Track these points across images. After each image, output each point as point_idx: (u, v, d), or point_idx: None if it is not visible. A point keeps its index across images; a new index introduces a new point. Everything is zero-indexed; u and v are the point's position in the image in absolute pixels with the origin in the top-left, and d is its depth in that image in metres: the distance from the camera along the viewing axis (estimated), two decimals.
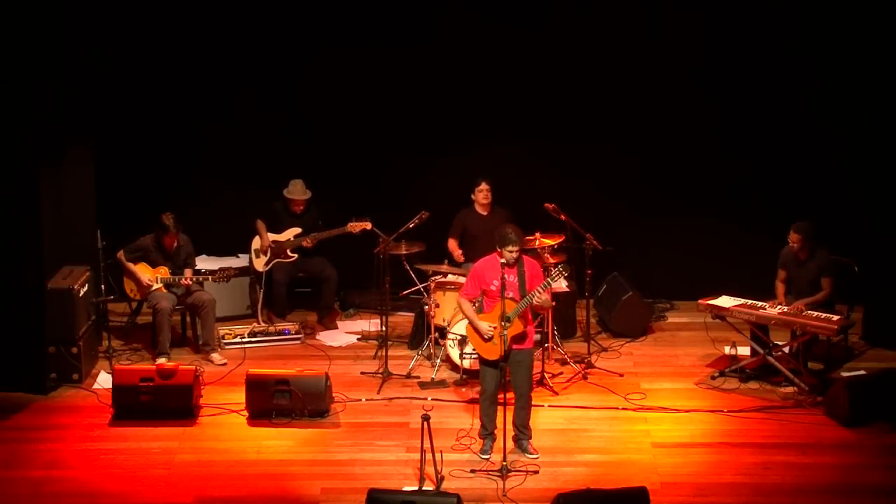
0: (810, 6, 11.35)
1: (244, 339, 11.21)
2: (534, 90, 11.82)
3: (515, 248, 8.77)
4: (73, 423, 9.60)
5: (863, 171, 11.46)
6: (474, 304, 9.04)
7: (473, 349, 9.28)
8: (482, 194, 11.13)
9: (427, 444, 8.31)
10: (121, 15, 11.39)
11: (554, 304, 10.27)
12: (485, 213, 11.17)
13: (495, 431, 8.97)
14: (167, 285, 10.89)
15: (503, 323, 8.67)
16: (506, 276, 8.72)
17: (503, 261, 8.74)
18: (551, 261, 10.55)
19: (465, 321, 9.13)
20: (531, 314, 9.04)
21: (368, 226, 11.19)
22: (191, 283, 10.88)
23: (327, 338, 11.45)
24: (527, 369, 8.92)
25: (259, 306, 11.72)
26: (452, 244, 11.22)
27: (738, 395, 9.99)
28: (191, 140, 11.98)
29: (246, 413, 9.66)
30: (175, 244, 10.92)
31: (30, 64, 9.84)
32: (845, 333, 10.31)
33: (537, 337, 10.58)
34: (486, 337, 8.82)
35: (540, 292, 8.79)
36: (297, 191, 11.52)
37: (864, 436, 9.24)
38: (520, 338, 8.84)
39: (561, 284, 9.38)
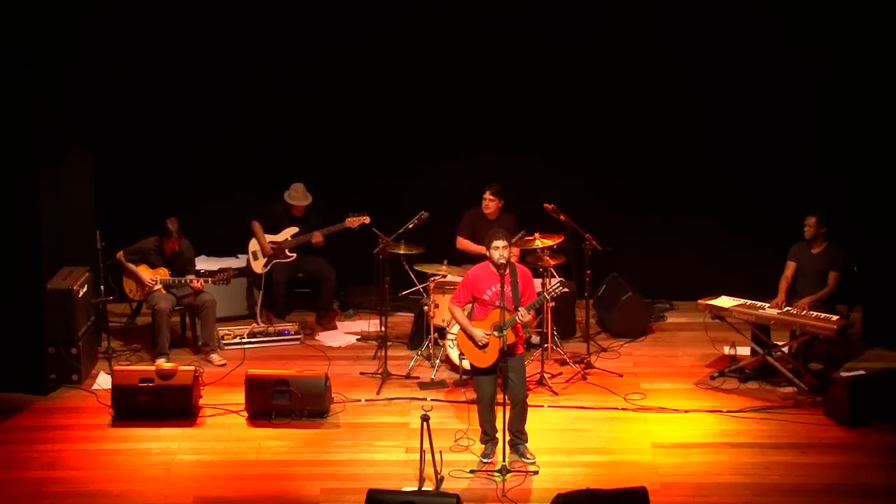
0: (813, 4, 11.35)
1: (244, 340, 11.21)
2: (534, 90, 11.81)
3: (502, 244, 8.60)
4: (73, 424, 9.60)
5: (863, 171, 11.44)
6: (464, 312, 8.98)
7: (462, 355, 9.17)
8: (483, 203, 11.12)
9: (427, 445, 8.31)
10: (122, 16, 11.38)
11: (540, 317, 10.27)
12: (491, 218, 11.13)
13: (496, 435, 8.94)
14: (167, 286, 10.89)
15: (496, 333, 8.62)
16: (504, 287, 8.61)
17: (502, 261, 8.64)
18: (551, 263, 10.55)
19: None
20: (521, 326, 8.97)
21: (367, 220, 11.17)
22: (200, 285, 10.85)
23: (327, 338, 11.44)
24: (520, 375, 8.86)
25: (258, 307, 11.71)
26: (464, 242, 11.16)
27: (737, 395, 9.99)
28: (190, 140, 11.97)
29: (246, 413, 9.66)
30: (175, 249, 10.91)
31: (31, 65, 9.83)
32: (845, 333, 10.30)
33: (536, 338, 10.61)
34: (480, 344, 8.77)
35: (525, 312, 8.65)
36: (298, 196, 11.49)
37: (864, 436, 9.24)
38: (511, 347, 8.74)
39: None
